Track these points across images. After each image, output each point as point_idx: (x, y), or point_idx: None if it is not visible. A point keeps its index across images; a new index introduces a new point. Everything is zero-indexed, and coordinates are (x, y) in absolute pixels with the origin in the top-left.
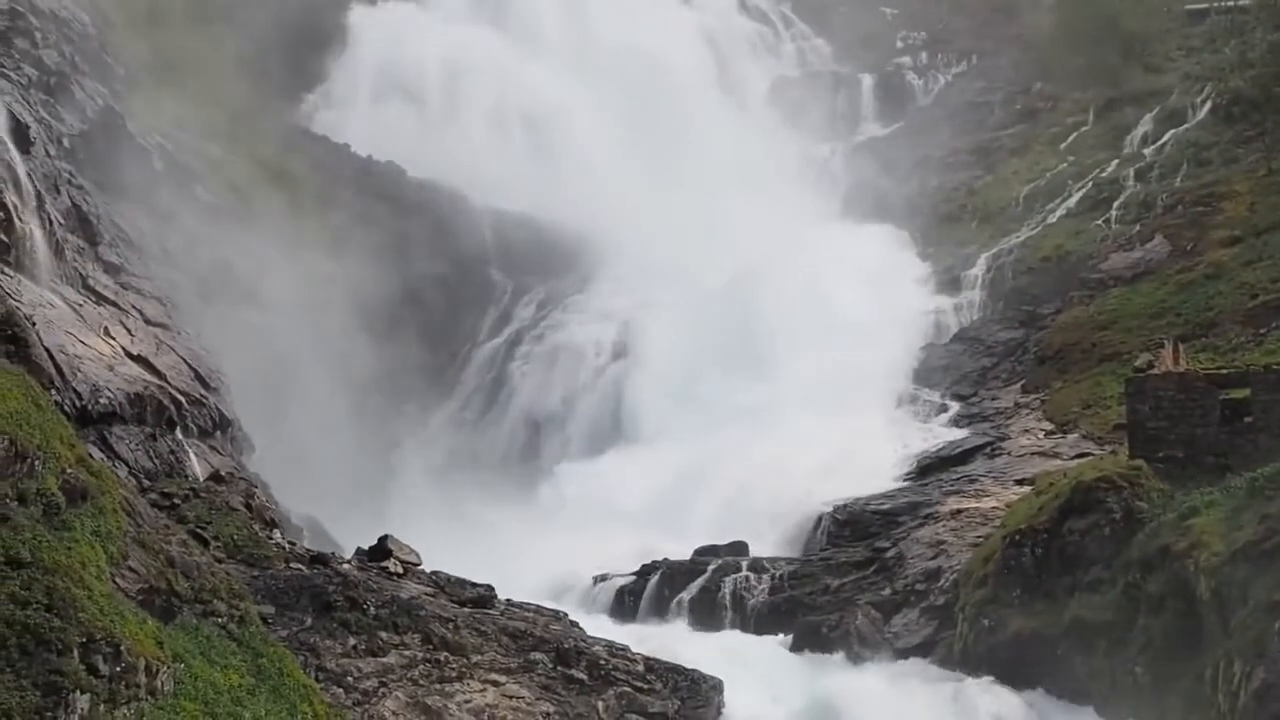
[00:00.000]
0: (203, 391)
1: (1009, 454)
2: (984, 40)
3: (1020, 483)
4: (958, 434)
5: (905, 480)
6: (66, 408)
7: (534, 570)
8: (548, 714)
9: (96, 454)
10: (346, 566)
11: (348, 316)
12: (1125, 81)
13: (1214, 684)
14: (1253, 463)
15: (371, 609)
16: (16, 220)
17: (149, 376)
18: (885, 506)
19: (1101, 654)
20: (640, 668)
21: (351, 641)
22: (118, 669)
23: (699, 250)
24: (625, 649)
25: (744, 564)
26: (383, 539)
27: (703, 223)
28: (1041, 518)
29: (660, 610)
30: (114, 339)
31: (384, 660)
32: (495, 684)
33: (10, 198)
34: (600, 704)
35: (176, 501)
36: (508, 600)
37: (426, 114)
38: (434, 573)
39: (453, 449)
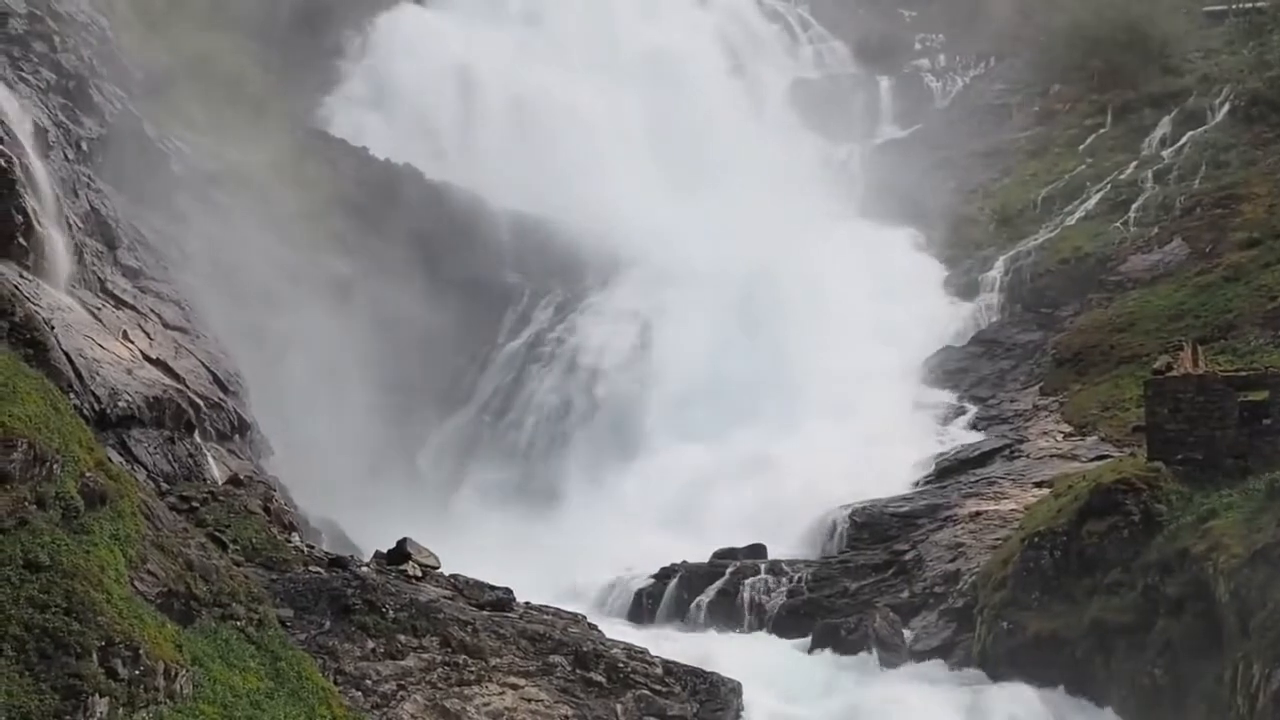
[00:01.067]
0: (221, 395)
1: (1027, 456)
2: (1002, 42)
3: (1039, 485)
4: (976, 436)
5: (924, 483)
6: (85, 411)
7: (552, 572)
8: (566, 717)
9: (115, 457)
10: (365, 569)
11: (365, 319)
12: (1143, 83)
13: (1233, 686)
14: (1272, 465)
15: (390, 612)
16: (36, 224)
17: (167, 380)
18: (904, 509)
19: (1120, 656)
20: (659, 670)
21: (370, 644)
22: (136, 672)
23: (717, 252)
24: (644, 652)
25: (762, 566)
26: (401, 542)
27: (721, 224)
28: (1060, 520)
29: (679, 613)
30: (132, 342)
31: (403, 663)
32: (514, 687)
33: (29, 202)
34: (619, 707)
35: (195, 505)
36: (526, 603)
37: (444, 116)
38: (453, 576)
39: (472, 451)
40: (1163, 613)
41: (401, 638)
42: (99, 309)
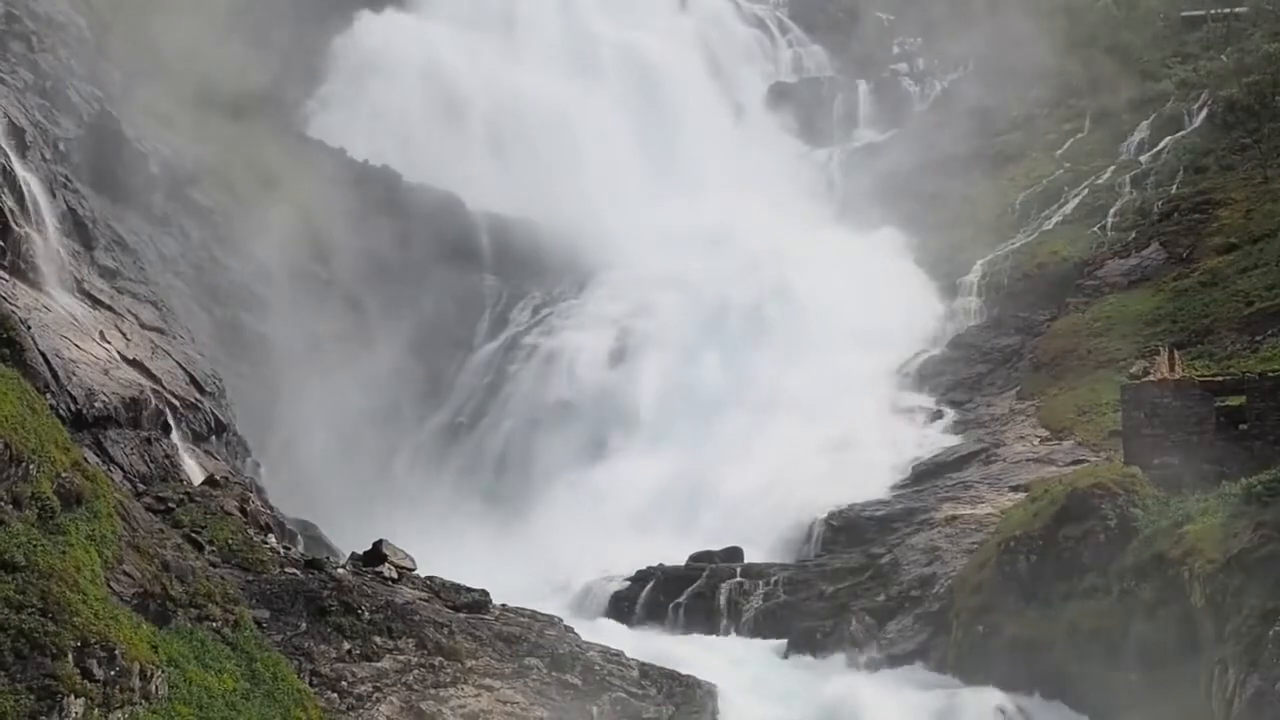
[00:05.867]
0: (198, 396)
1: (1004, 461)
2: (981, 46)
3: (1015, 489)
4: (953, 440)
5: (901, 486)
6: (61, 411)
7: (529, 575)
8: (542, 719)
9: (91, 458)
10: (341, 571)
11: (343, 321)
12: (1122, 88)
13: (1208, 690)
14: (1248, 469)
15: (366, 614)
16: (13, 224)
17: (144, 380)
18: (880, 513)
19: (1096, 661)
20: (635, 673)
21: (346, 646)
22: (112, 673)
23: (696, 256)
24: (620, 654)
25: (739, 570)
26: (377, 544)
27: (699, 228)
28: (1036, 524)
29: (656, 615)
30: (109, 343)
31: (378, 665)
32: (489, 689)
33: (7, 202)
34: (595, 709)
35: (171, 506)
36: (502, 605)
37: (423, 118)
38: (429, 578)
39: (448, 454)
40: (1139, 617)
41: (377, 639)
42: (76, 309)
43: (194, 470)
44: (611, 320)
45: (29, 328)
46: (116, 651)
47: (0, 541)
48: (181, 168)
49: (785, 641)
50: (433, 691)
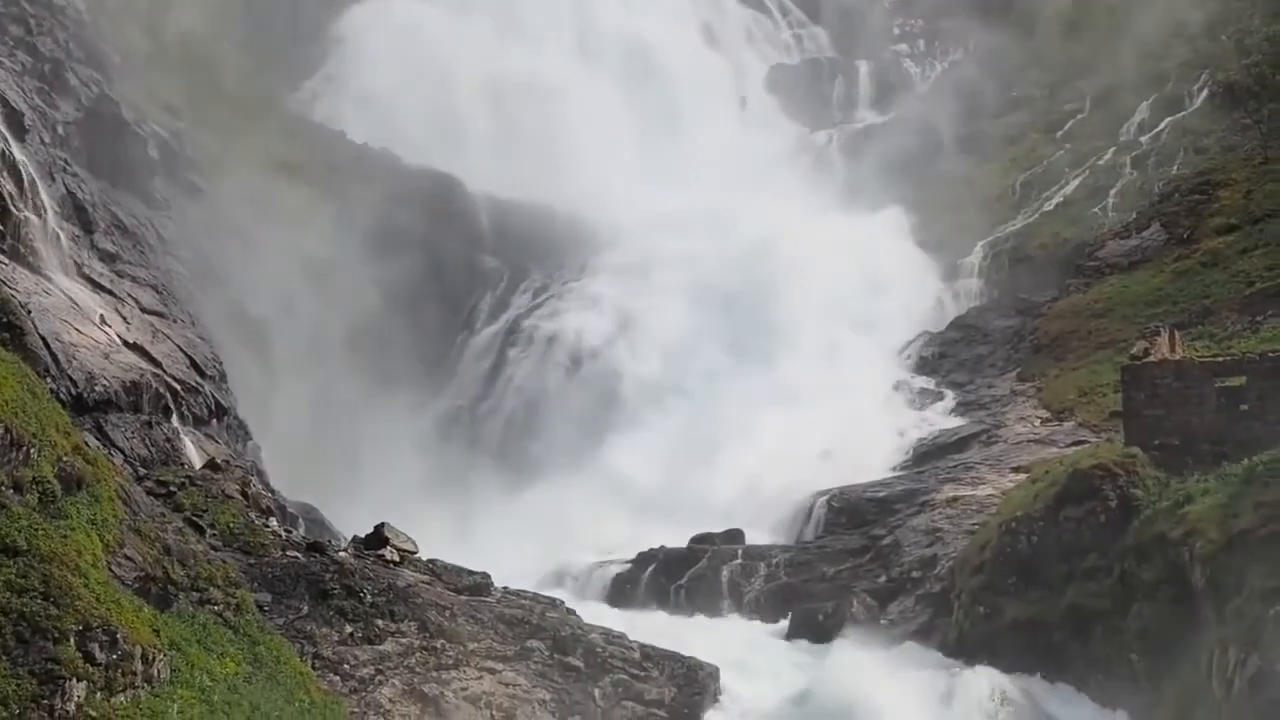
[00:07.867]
0: (198, 379)
1: (1005, 442)
2: (981, 27)
3: (1016, 470)
4: (954, 422)
5: (902, 468)
6: (62, 395)
7: (531, 557)
8: (544, 701)
9: (92, 442)
10: (343, 554)
11: (344, 304)
12: (1122, 69)
13: (1209, 671)
14: (1249, 450)
15: (368, 597)
16: (12, 208)
17: (145, 364)
18: (881, 494)
19: (1097, 641)
20: (637, 655)
21: (348, 629)
22: (114, 657)
23: (696, 238)
24: (622, 636)
25: (740, 552)
26: (379, 527)
27: (699, 210)
28: (1037, 505)
29: (657, 597)
30: (109, 327)
31: (380, 648)
32: (492, 671)
33: (5, 185)
34: (597, 691)
35: (172, 489)
36: (504, 588)
37: (423, 101)
38: (430, 560)
39: (450, 436)
40: (1139, 598)
41: (379, 622)
42: (76, 293)
43: (195, 454)
44: (612, 302)
45: (29, 311)
46: (118, 635)
47: (1, 526)
48: (181, 151)
49: (787, 623)
50: (435, 674)
